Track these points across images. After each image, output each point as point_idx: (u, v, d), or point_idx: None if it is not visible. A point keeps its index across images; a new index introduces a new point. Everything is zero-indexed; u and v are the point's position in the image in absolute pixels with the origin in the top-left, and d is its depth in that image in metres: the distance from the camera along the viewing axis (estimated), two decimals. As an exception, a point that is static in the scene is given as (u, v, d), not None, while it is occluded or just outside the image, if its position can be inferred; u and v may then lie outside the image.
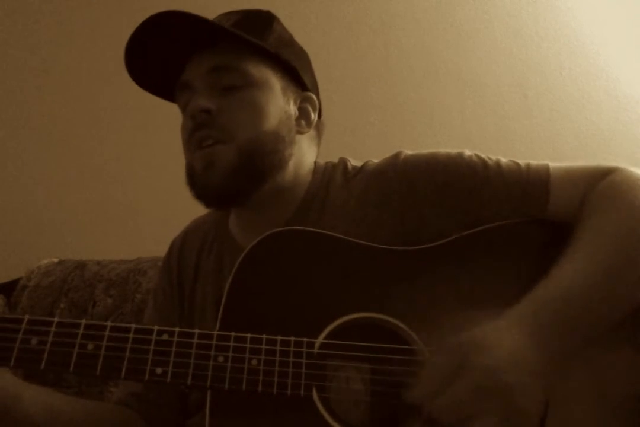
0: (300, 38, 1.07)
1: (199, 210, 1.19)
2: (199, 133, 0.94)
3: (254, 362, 0.77)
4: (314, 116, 1.05)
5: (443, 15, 2.22)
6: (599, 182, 0.90)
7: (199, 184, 0.95)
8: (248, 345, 0.78)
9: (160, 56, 0.97)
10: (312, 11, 2.20)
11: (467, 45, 2.20)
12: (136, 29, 0.94)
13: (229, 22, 0.97)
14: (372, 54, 2.21)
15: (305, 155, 1.05)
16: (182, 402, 1.07)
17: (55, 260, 1.81)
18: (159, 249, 1.26)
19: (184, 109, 0.99)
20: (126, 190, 2.17)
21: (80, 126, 2.24)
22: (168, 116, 1.99)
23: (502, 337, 0.74)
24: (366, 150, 2.09)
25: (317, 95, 1.08)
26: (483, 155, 0.97)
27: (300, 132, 1.03)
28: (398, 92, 2.19)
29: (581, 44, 2.18)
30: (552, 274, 0.80)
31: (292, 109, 1.02)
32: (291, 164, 1.00)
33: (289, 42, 1.05)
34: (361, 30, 2.22)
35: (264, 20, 1.02)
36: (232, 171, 0.93)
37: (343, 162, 1.07)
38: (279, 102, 0.99)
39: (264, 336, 0.79)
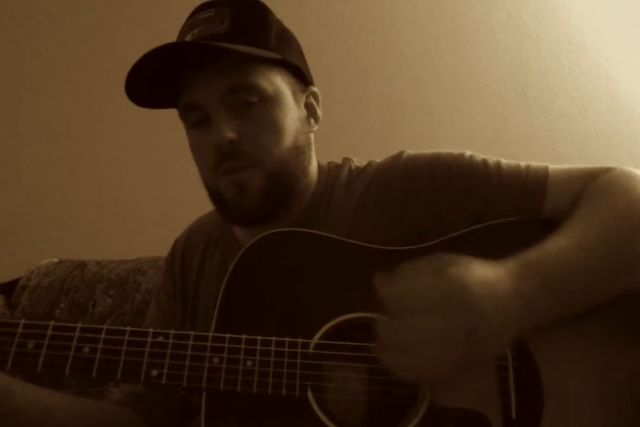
0: (299, 38, 1.07)
1: (198, 210, 1.20)
2: (226, 164, 0.93)
3: (249, 363, 0.78)
4: (319, 111, 1.07)
5: (443, 15, 2.22)
6: (594, 180, 0.91)
7: (234, 209, 0.96)
8: (243, 346, 0.78)
9: (158, 72, 0.95)
10: (312, 11, 2.20)
11: (467, 45, 2.20)
12: (140, 59, 0.91)
13: (223, 26, 0.94)
14: (372, 54, 2.21)
15: (314, 154, 1.06)
16: (183, 402, 1.07)
17: (55, 260, 1.82)
18: (159, 249, 1.26)
19: (193, 126, 0.98)
20: (126, 191, 2.17)
21: (81, 126, 2.24)
22: (168, 117, 1.99)
23: (481, 271, 0.73)
24: (366, 150, 2.09)
25: (313, 84, 1.09)
26: (484, 156, 0.98)
27: (311, 132, 1.05)
28: (398, 92, 2.19)
29: (581, 44, 2.18)
30: (543, 243, 0.80)
31: (302, 111, 1.03)
32: (311, 167, 1.04)
33: (285, 35, 1.03)
34: (361, 30, 2.22)
35: (258, 16, 1.00)
36: (265, 193, 0.94)
37: (347, 162, 1.08)
38: (293, 112, 0.99)
39: (259, 337, 0.79)
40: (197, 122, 0.97)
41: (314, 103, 1.06)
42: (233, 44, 0.91)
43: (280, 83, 0.98)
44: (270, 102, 0.96)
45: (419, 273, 0.71)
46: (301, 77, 1.04)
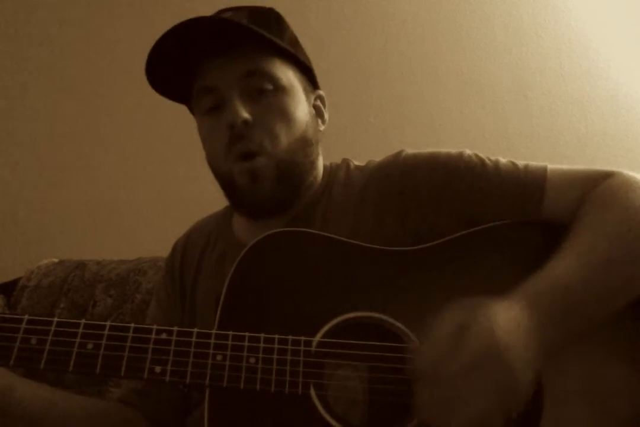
0: (299, 38, 1.08)
1: (198, 210, 1.20)
2: (239, 145, 0.95)
3: (252, 360, 0.78)
4: (326, 114, 1.09)
5: (443, 15, 2.22)
6: (596, 185, 0.91)
7: (248, 198, 0.97)
8: (246, 343, 0.79)
9: (178, 56, 0.96)
10: (312, 11, 2.20)
11: (467, 45, 2.20)
12: (162, 36, 0.93)
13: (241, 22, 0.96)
14: (372, 54, 2.21)
15: (321, 152, 1.08)
16: (183, 399, 1.07)
17: (55, 260, 1.81)
18: (159, 249, 1.26)
19: (206, 112, 0.99)
20: (126, 191, 2.17)
21: (81, 126, 2.24)
22: (169, 117, 1.99)
23: (499, 319, 0.74)
24: (366, 150, 2.08)
25: (320, 89, 1.12)
26: (482, 156, 0.98)
27: (319, 130, 1.06)
28: (397, 92, 2.19)
29: (581, 44, 2.18)
30: (549, 265, 0.81)
31: (312, 109, 1.05)
32: (318, 163, 1.05)
33: (297, 42, 1.07)
34: (361, 30, 2.22)
35: (274, 19, 1.04)
36: (277, 182, 0.96)
37: (346, 162, 1.09)
38: (304, 105, 1.02)
39: (262, 335, 0.79)
40: (210, 108, 0.98)
41: (321, 106, 1.09)
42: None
43: (292, 77, 1.01)
44: (283, 91, 0.98)
45: (444, 335, 0.73)
46: (310, 79, 1.07)
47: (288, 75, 1.00)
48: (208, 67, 0.97)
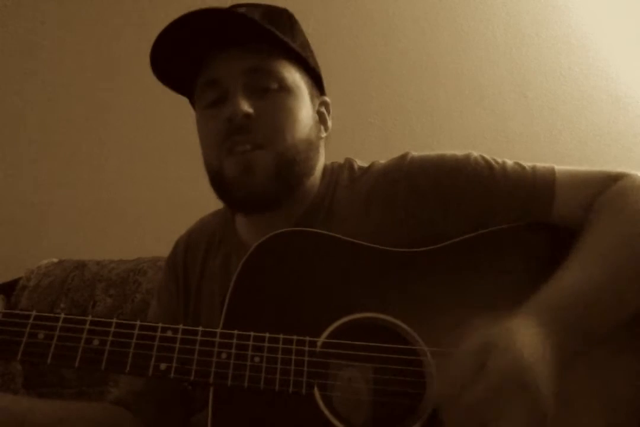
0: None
1: (198, 210, 1.20)
2: (236, 137, 0.93)
3: (257, 359, 0.78)
4: (329, 122, 1.08)
5: (443, 15, 2.22)
6: (606, 188, 0.90)
7: (236, 191, 0.95)
8: (251, 342, 0.79)
9: (186, 45, 0.95)
10: (312, 11, 2.19)
11: (467, 45, 2.21)
12: (172, 22, 0.92)
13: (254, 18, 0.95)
14: (372, 54, 2.21)
15: (322, 159, 1.06)
16: (183, 401, 1.06)
17: (55, 260, 1.81)
18: (159, 249, 1.26)
19: (208, 106, 0.98)
20: (126, 191, 2.17)
21: (81, 126, 2.24)
22: (169, 117, 1.99)
23: (521, 338, 0.73)
24: (366, 150, 2.09)
25: (326, 95, 1.11)
26: (489, 158, 0.98)
27: (320, 137, 1.05)
28: (398, 93, 2.19)
29: (581, 44, 2.19)
30: (560, 275, 0.80)
31: (315, 114, 1.04)
32: (317, 169, 1.03)
33: (308, 45, 1.06)
34: (361, 30, 2.22)
35: (287, 20, 1.03)
36: (271, 177, 0.93)
37: (349, 162, 1.08)
38: (308, 109, 1.01)
39: (267, 334, 0.79)
40: (213, 101, 0.97)
41: (326, 113, 1.08)
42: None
43: (299, 79, 1.00)
44: (288, 92, 0.97)
45: (466, 358, 0.71)
46: (317, 85, 1.06)
47: (294, 77, 0.99)
48: (214, 60, 0.96)
